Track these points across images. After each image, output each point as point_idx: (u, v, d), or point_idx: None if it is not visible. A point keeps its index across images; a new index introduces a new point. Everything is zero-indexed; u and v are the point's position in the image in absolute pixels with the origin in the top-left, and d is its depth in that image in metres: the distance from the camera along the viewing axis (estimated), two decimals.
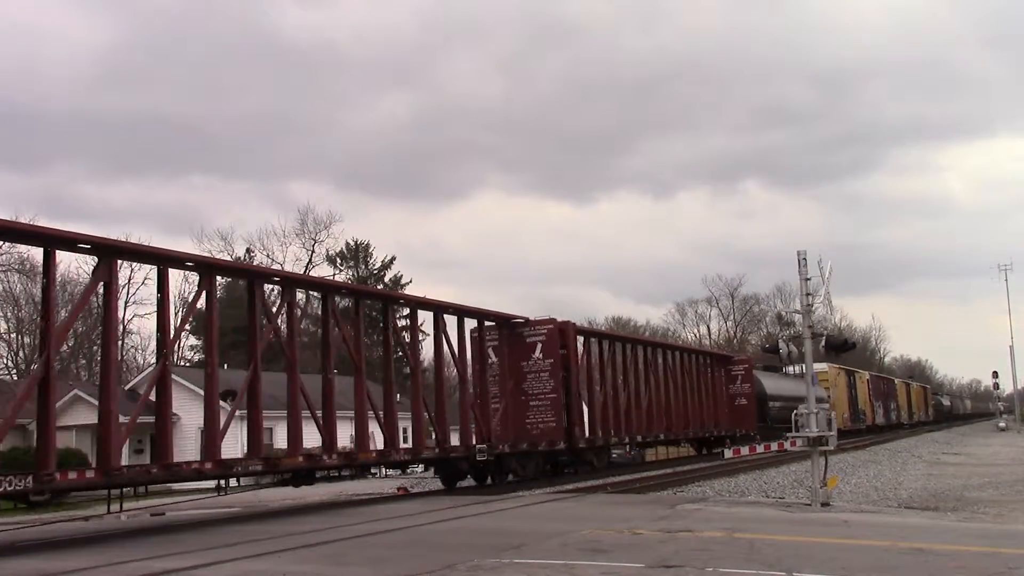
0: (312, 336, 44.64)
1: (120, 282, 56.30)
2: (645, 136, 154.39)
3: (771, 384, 44.43)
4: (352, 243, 68.79)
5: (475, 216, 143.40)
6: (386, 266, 70.40)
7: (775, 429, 41.09)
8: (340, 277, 64.80)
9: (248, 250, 61.95)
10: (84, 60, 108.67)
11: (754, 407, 39.49)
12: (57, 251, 13.88)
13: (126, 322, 58.91)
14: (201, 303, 17.60)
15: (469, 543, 11.12)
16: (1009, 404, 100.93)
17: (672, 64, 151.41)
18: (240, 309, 24.55)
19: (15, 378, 50.43)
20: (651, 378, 31.62)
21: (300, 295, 24.97)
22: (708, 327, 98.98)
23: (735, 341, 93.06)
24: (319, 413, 18.25)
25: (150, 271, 45.16)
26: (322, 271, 63.68)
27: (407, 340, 22.34)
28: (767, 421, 41.16)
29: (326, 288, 20.41)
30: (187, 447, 31.14)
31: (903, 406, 72.65)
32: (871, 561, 9.41)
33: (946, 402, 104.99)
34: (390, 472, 34.24)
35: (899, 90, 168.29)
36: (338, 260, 67.84)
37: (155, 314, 17.14)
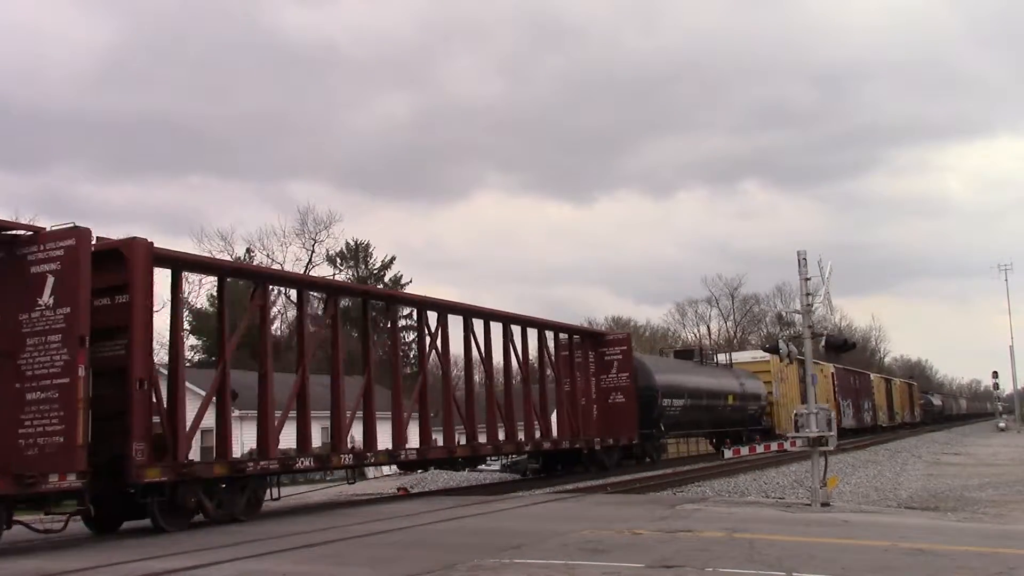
0: None
1: None
2: (645, 136, 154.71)
3: (665, 376, 31.20)
4: (352, 243, 68.86)
5: (475, 216, 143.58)
6: (386, 266, 70.51)
7: (670, 436, 32.39)
8: (340, 277, 64.79)
9: (248, 250, 61.97)
10: (84, 60, 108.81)
11: (635, 407, 27.95)
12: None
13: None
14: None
15: (469, 543, 11.12)
16: (1009, 404, 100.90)
17: (672, 64, 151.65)
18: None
19: None
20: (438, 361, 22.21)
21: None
22: (708, 327, 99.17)
23: (735, 341, 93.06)
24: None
25: None
26: (322, 271, 63.69)
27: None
28: (658, 426, 29.86)
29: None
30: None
31: (881, 406, 62.94)
32: (871, 561, 9.41)
33: (937, 401, 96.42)
34: None
35: (899, 90, 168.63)
36: (338, 260, 67.90)
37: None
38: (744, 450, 22.44)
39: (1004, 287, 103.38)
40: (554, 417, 26.99)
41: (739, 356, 43.82)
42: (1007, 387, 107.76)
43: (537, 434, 24.77)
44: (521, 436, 24.57)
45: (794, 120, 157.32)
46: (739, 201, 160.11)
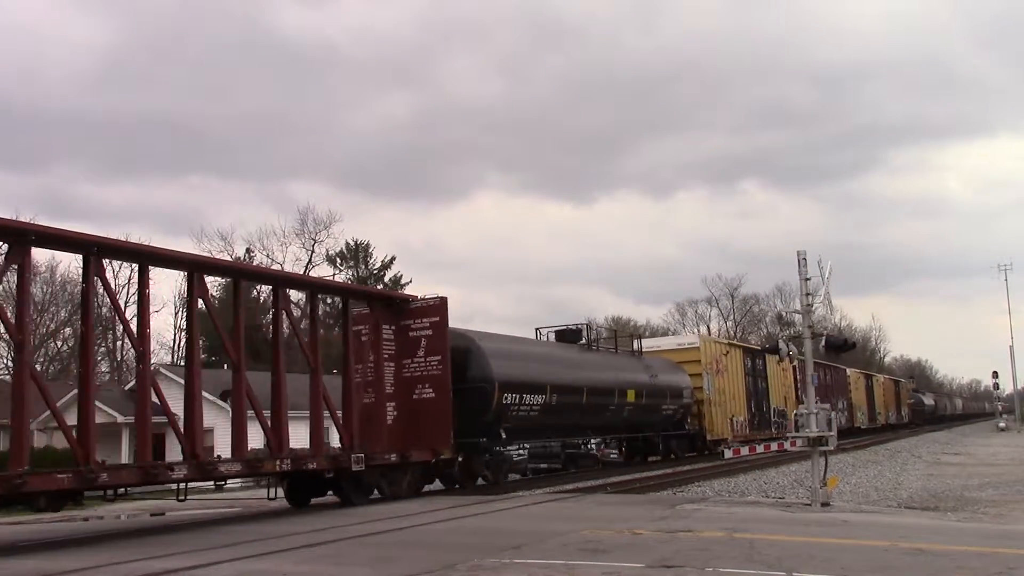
0: None
1: (121, 281, 56.41)
2: (645, 136, 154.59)
3: (509, 363, 21.95)
4: (352, 243, 68.82)
5: (475, 216, 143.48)
6: (386, 266, 70.40)
7: (512, 444, 22.68)
8: (340, 277, 64.79)
9: (248, 250, 61.92)
10: (84, 60, 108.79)
11: (449, 405, 19.39)
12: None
13: (127, 322, 58.98)
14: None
15: (469, 543, 11.13)
16: (1009, 404, 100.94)
17: (672, 64, 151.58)
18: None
19: None
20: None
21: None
22: (708, 327, 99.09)
23: (735, 341, 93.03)
24: None
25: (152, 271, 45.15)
26: (322, 271, 63.66)
27: None
28: (495, 433, 21.36)
29: None
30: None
31: (859, 405, 54.53)
32: (871, 561, 9.41)
33: (928, 401, 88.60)
34: None
35: (898, 90, 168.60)
36: (338, 260, 67.85)
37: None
38: (744, 450, 22.44)
39: (1004, 287, 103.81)
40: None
41: (660, 342, 35.81)
42: (1007, 387, 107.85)
43: (260, 447, 17.55)
44: (222, 453, 16.88)
45: (794, 120, 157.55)
46: (739, 201, 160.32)
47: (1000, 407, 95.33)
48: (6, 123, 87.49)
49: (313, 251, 64.02)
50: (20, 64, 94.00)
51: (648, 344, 33.26)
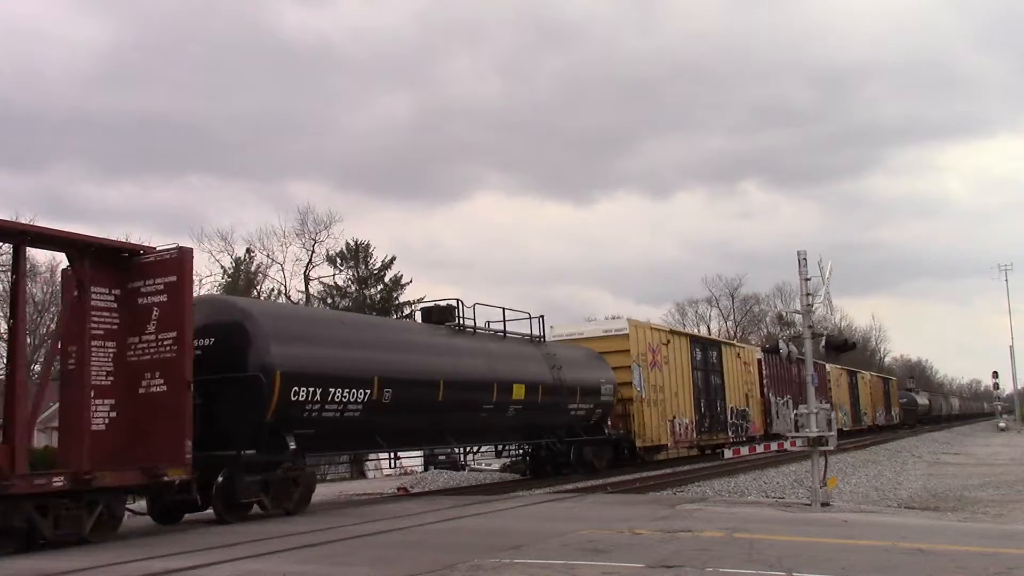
0: None
1: None
2: (645, 136, 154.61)
3: (300, 345, 16.02)
4: (352, 243, 68.75)
5: (475, 216, 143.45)
6: (386, 266, 70.25)
7: (314, 456, 17.82)
8: (340, 277, 64.76)
9: (248, 250, 61.86)
10: (84, 60, 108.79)
11: (187, 403, 13.13)
12: None
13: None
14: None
15: (469, 543, 11.12)
16: (1009, 404, 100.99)
17: (672, 64, 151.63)
18: None
19: None
20: None
21: None
22: (708, 327, 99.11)
23: (735, 341, 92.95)
24: None
25: None
26: (322, 271, 63.57)
27: None
28: (275, 442, 15.28)
29: None
30: None
31: (841, 404, 48.79)
32: (871, 561, 9.41)
33: (921, 400, 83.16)
34: None
35: (898, 90, 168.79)
36: (338, 260, 67.80)
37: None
38: (744, 450, 22.49)
39: (1004, 287, 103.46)
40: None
41: (583, 328, 30.14)
42: (1007, 387, 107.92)
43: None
44: None
45: (794, 120, 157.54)
46: (739, 201, 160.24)
47: (1000, 407, 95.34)
48: (6, 123, 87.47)
49: (313, 251, 63.97)
50: (20, 64, 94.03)
51: (568, 330, 28.40)
